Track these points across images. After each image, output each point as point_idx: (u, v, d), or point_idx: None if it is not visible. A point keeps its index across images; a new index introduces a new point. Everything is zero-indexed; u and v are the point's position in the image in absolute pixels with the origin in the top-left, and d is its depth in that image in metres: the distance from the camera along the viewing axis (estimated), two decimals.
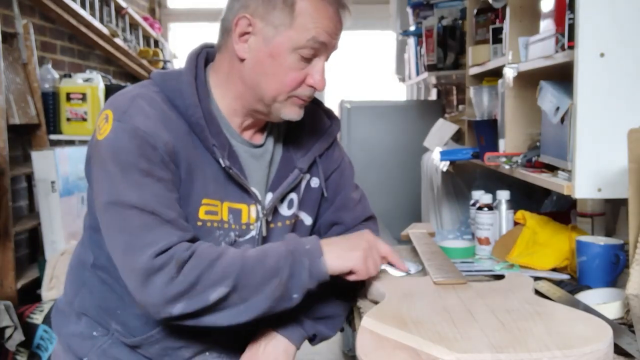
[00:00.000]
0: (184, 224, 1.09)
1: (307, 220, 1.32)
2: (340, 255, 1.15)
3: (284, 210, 1.27)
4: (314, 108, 1.33)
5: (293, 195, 1.28)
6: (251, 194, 1.20)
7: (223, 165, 1.15)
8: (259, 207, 1.22)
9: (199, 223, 1.15)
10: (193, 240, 1.09)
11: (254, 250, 1.12)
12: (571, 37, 1.35)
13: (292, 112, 1.18)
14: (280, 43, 1.12)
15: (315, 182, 1.31)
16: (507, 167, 1.74)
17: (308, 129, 1.30)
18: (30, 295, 2.76)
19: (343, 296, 1.30)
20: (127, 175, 1.06)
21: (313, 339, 1.28)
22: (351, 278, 1.18)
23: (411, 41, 3.81)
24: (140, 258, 1.03)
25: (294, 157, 1.27)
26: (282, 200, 1.26)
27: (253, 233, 1.22)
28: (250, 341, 1.23)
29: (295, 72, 1.14)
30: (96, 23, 3.62)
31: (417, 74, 3.69)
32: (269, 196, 1.24)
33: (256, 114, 1.21)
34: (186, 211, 1.13)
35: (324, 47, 1.14)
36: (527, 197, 2.17)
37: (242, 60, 1.15)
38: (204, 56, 1.23)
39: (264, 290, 1.07)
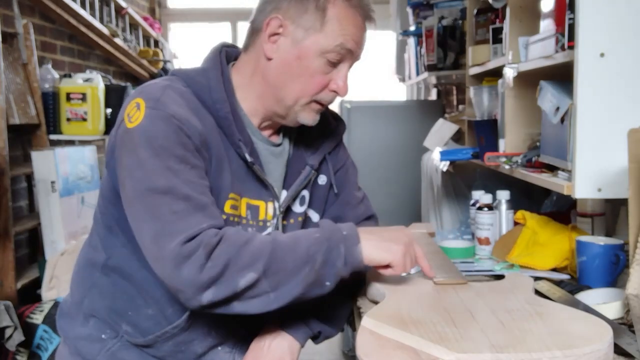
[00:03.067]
0: (215, 212, 1.08)
1: (315, 217, 1.33)
2: (379, 245, 1.12)
3: (297, 207, 1.29)
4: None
5: (305, 193, 1.30)
6: (270, 190, 1.22)
7: (248, 160, 1.17)
8: (277, 204, 1.23)
9: (224, 217, 1.14)
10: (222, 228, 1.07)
11: (285, 235, 1.09)
12: (571, 37, 1.35)
13: (309, 117, 1.20)
14: (309, 46, 1.14)
15: (322, 180, 1.33)
16: (507, 167, 1.74)
17: (316, 129, 1.31)
18: (30, 295, 2.76)
19: (347, 294, 1.30)
20: (162, 161, 1.05)
21: (317, 338, 1.27)
22: (386, 272, 1.16)
23: (411, 41, 3.81)
24: (169, 245, 1.01)
25: (305, 155, 1.29)
26: (295, 197, 1.28)
27: (269, 230, 1.23)
28: (255, 338, 1.23)
29: (320, 76, 1.16)
30: (96, 23, 3.62)
31: (417, 74, 3.68)
32: (284, 194, 1.26)
33: (274, 116, 1.22)
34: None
35: (349, 54, 1.17)
36: (527, 197, 2.17)
37: (269, 59, 1.17)
38: (225, 54, 1.24)
39: (295, 276, 1.04)
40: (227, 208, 1.16)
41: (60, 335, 1.29)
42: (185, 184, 1.05)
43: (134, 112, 1.09)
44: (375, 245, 1.11)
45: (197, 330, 1.20)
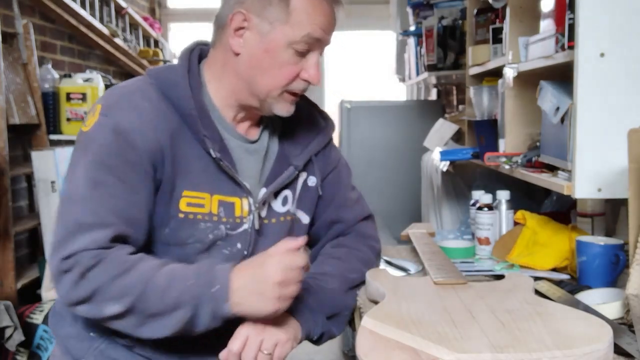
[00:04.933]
0: (123, 230, 1.08)
1: (305, 218, 1.33)
2: (251, 303, 1.06)
3: (278, 207, 1.28)
4: (309, 109, 1.35)
5: (287, 192, 1.29)
6: (242, 187, 1.20)
7: (214, 156, 1.16)
8: (251, 201, 1.22)
9: (181, 215, 1.16)
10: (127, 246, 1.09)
11: (164, 272, 1.07)
12: (571, 37, 1.35)
13: (283, 108, 1.20)
14: (275, 38, 1.14)
15: (312, 181, 1.32)
16: (507, 167, 1.74)
17: (304, 128, 1.31)
18: (30, 295, 2.76)
19: (352, 296, 1.30)
20: (90, 171, 1.09)
21: (319, 340, 1.26)
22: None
23: (411, 41, 3.81)
24: (57, 254, 1.06)
25: (290, 155, 1.28)
26: (275, 196, 1.27)
27: (245, 226, 1.22)
28: None
29: (290, 67, 1.16)
30: (96, 23, 3.62)
31: (417, 74, 3.69)
32: (263, 191, 1.24)
33: (249, 109, 1.22)
34: (168, 204, 1.14)
35: (318, 43, 1.17)
36: (527, 197, 2.17)
37: (237, 54, 1.17)
38: (198, 52, 1.25)
39: (161, 320, 1.05)
40: (182, 206, 1.16)
41: (53, 334, 1.30)
42: (103, 197, 1.07)
43: (90, 116, 1.14)
44: (246, 302, 1.06)
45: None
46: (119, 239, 1.09)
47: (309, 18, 1.14)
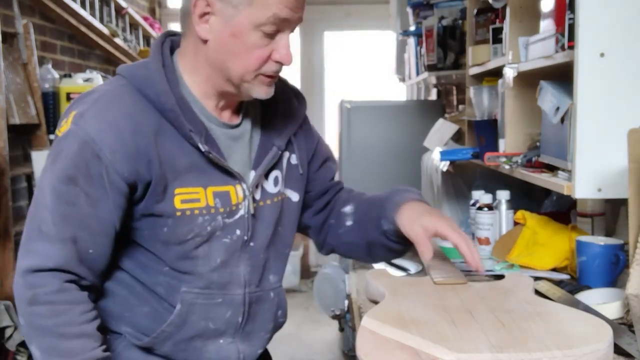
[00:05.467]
0: (71, 249, 1.09)
1: (294, 196, 1.32)
2: None
3: (270, 188, 1.27)
4: (283, 87, 1.33)
5: (277, 173, 1.28)
6: (234, 174, 1.20)
7: (202, 150, 1.15)
8: (244, 186, 1.21)
9: (178, 213, 1.15)
10: (70, 270, 1.09)
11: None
12: (571, 37, 1.35)
13: (261, 91, 1.17)
14: (241, 22, 1.10)
15: (294, 159, 1.32)
16: (507, 167, 1.74)
17: (281, 109, 1.30)
18: None
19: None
20: (53, 180, 1.09)
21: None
22: None
23: (411, 41, 3.81)
24: (21, 262, 1.09)
25: (272, 136, 1.27)
26: (266, 177, 1.27)
27: (242, 212, 1.22)
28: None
29: (259, 50, 1.12)
30: (96, 23, 3.62)
31: (417, 74, 3.68)
32: (252, 174, 1.24)
33: (228, 95, 1.20)
34: (163, 204, 1.14)
35: (286, 23, 1.12)
36: (527, 197, 2.17)
37: (205, 42, 1.14)
38: (169, 44, 1.22)
39: None
40: (177, 204, 1.15)
41: None
42: (64, 210, 1.08)
43: (64, 122, 1.13)
44: None
45: (192, 326, 1.19)
46: (74, 257, 1.09)
47: None
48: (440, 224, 1.25)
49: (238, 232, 1.21)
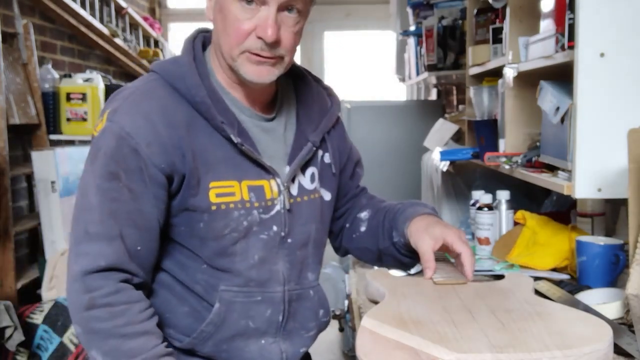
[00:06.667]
0: (120, 246, 1.09)
1: (327, 195, 1.31)
2: None
3: (307, 184, 1.26)
4: (317, 87, 1.33)
5: (313, 169, 1.27)
6: (267, 168, 1.18)
7: (236, 142, 1.14)
8: (279, 181, 1.20)
9: (213, 207, 1.14)
10: (123, 267, 1.09)
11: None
12: (571, 37, 1.35)
13: (249, 70, 1.14)
14: None
15: (327, 158, 1.31)
16: (507, 167, 1.74)
17: (316, 106, 1.30)
18: (30, 295, 2.76)
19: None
20: (96, 178, 1.09)
21: None
22: None
23: (411, 41, 3.81)
24: (73, 266, 1.08)
25: (307, 131, 1.26)
26: (303, 172, 1.25)
27: (278, 207, 1.20)
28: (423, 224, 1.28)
29: (241, 22, 1.11)
30: (96, 23, 3.62)
31: (417, 74, 3.68)
32: (287, 169, 1.22)
33: (244, 83, 1.18)
34: (198, 198, 1.13)
35: None
36: (527, 197, 2.17)
37: (212, 23, 1.17)
38: (201, 40, 1.23)
39: None
40: (212, 198, 1.14)
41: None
42: (110, 207, 1.08)
43: (99, 121, 1.14)
44: None
45: (232, 325, 1.17)
46: (125, 254, 1.09)
47: None
48: (449, 234, 1.25)
49: (275, 228, 1.20)
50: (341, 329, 3.48)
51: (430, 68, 3.24)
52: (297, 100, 1.28)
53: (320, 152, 1.29)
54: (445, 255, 1.47)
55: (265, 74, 1.15)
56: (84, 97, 3.16)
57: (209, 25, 1.23)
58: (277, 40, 1.11)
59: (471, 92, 2.26)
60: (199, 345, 1.18)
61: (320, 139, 1.28)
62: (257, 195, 1.17)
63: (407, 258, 1.32)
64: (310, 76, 1.32)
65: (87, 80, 3.19)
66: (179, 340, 1.18)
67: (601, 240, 1.44)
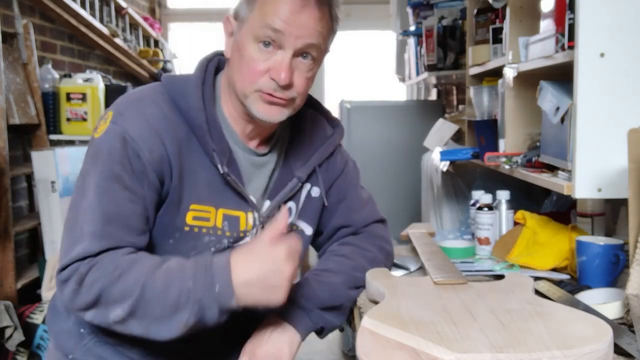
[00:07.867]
0: (123, 241, 1.08)
1: (308, 230, 1.32)
2: (260, 296, 1.04)
3: None
4: (317, 116, 1.34)
5: (291, 204, 1.28)
6: (248, 201, 1.20)
7: (221, 172, 1.15)
8: (256, 215, 1.22)
9: (187, 228, 1.16)
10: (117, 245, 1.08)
11: (160, 273, 1.04)
12: (571, 37, 1.35)
13: (259, 108, 1.15)
14: (243, 34, 1.14)
15: (315, 192, 1.31)
16: (507, 167, 1.74)
17: (308, 139, 1.30)
18: (30, 295, 2.76)
19: (352, 285, 1.29)
20: (97, 178, 1.09)
21: (321, 332, 1.26)
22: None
23: (411, 41, 3.81)
24: (60, 263, 1.07)
25: (294, 167, 1.27)
26: (279, 208, 1.26)
27: (248, 239, 1.22)
28: (257, 328, 1.20)
29: (257, 63, 1.12)
30: (96, 23, 3.63)
31: (417, 74, 3.69)
32: (267, 204, 1.24)
33: (251, 121, 1.20)
34: (174, 215, 1.14)
35: (281, 36, 1.10)
36: (527, 197, 2.17)
37: (228, 59, 1.19)
38: (216, 63, 1.24)
39: (166, 323, 1.03)
40: (189, 220, 1.15)
41: (48, 329, 1.30)
42: (106, 204, 1.08)
43: (102, 123, 1.14)
44: (253, 298, 1.04)
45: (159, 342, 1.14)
46: (117, 248, 1.08)
47: (271, 7, 1.10)
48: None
49: None
50: (341, 329, 3.48)
51: (430, 68, 3.24)
52: (290, 134, 1.29)
53: (307, 186, 1.30)
54: (445, 254, 1.47)
55: (275, 114, 1.17)
56: (84, 97, 3.16)
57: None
58: (290, 83, 1.14)
59: (471, 92, 2.26)
60: (127, 344, 1.18)
61: (308, 173, 1.28)
62: (230, 225, 1.19)
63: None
64: (308, 108, 1.30)
65: (87, 80, 3.19)
66: (108, 335, 1.17)
67: (601, 240, 1.44)
